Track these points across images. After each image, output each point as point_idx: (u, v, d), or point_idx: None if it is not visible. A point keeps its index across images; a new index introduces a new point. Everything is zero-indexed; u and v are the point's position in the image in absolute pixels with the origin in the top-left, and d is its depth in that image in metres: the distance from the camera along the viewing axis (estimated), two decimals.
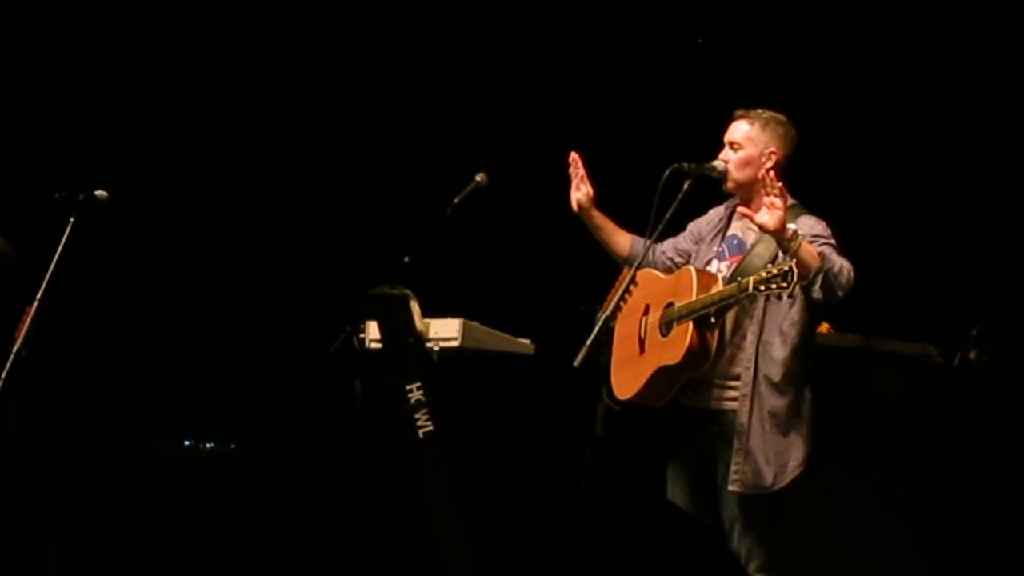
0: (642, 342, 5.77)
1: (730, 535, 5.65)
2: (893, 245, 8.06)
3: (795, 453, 5.63)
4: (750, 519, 5.63)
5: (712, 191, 5.89)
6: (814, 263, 5.40)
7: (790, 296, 5.40)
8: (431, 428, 6.38)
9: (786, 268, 5.26)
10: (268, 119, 8.68)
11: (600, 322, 5.58)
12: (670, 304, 5.67)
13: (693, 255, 5.90)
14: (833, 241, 5.58)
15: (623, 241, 5.97)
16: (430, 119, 8.60)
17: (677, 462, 5.83)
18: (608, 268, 5.82)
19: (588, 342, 5.50)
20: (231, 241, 8.54)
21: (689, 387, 5.66)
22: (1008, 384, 7.67)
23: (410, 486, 6.53)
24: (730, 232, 5.82)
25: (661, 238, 5.85)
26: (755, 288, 5.32)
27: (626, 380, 5.79)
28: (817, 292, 5.44)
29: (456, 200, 6.40)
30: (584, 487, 5.87)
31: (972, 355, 7.58)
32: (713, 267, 5.76)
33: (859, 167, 8.25)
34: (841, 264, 5.46)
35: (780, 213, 5.37)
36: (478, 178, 6.47)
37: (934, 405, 7.44)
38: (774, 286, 5.27)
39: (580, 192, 5.96)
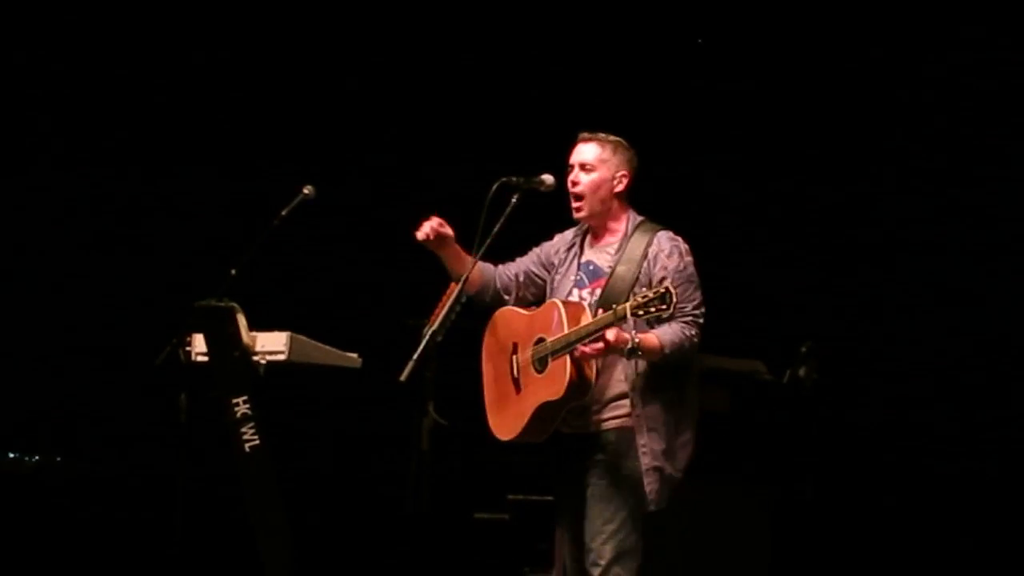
0: (516, 381, 5.74)
1: (600, 551, 5.55)
2: (724, 261, 8.13)
3: (683, 458, 5.63)
4: (626, 532, 5.56)
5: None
6: (657, 355, 5.49)
7: (670, 318, 5.41)
8: (257, 442, 6.32)
9: (663, 290, 5.28)
10: (100, 128, 8.58)
11: (427, 336, 5.53)
12: (540, 340, 5.64)
13: (548, 284, 5.86)
14: (693, 304, 5.59)
15: (476, 277, 5.83)
16: (259, 131, 8.54)
17: (565, 491, 5.75)
18: (435, 282, 5.80)
19: (415, 356, 5.46)
20: (56, 253, 8.42)
21: (569, 413, 5.61)
22: (835, 400, 7.80)
23: (236, 499, 6.46)
24: (584, 259, 5.79)
25: (491, 254, 5.83)
26: (633, 314, 5.32)
27: (506, 421, 5.76)
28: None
29: (283, 212, 6.35)
30: (410, 502, 5.83)
31: (801, 372, 7.68)
32: (575, 296, 5.72)
33: (690, 182, 8.32)
34: (681, 344, 5.51)
35: (601, 345, 5.40)
36: (305, 190, 6.42)
37: (762, 420, 7.53)
38: (653, 309, 5.29)
39: (446, 229, 5.80)
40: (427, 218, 5.79)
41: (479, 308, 5.87)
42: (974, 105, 7.97)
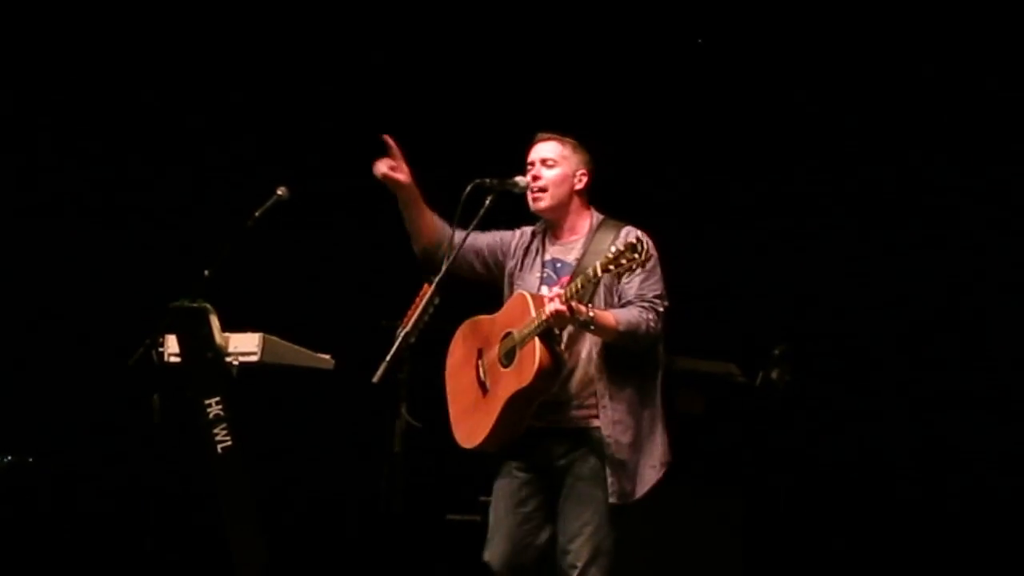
0: (483, 384, 5.70)
1: (577, 552, 5.54)
2: (697, 263, 8.15)
3: (656, 455, 5.63)
4: (603, 534, 5.56)
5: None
6: (612, 332, 5.48)
7: (643, 266, 5.34)
8: (229, 443, 6.31)
9: (633, 240, 5.27)
10: (76, 126, 8.56)
11: (400, 338, 5.52)
12: (507, 334, 5.62)
13: (507, 282, 5.82)
14: (654, 293, 5.58)
15: (431, 226, 5.83)
16: (233, 130, 8.54)
17: (509, 480, 5.72)
18: (409, 284, 5.79)
19: (388, 358, 5.45)
20: (30, 252, 8.39)
21: (541, 407, 5.58)
22: (808, 403, 7.81)
23: (209, 500, 6.45)
24: (548, 257, 5.79)
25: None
26: (604, 270, 5.31)
27: (474, 426, 5.68)
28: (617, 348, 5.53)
29: (257, 213, 6.34)
30: (383, 503, 5.83)
31: (774, 374, 7.70)
32: (544, 292, 5.68)
33: (663, 181, 8.33)
34: (637, 325, 5.50)
35: (557, 302, 5.38)
36: (279, 191, 6.42)
37: (735, 423, 7.55)
38: (624, 261, 5.26)
39: (403, 173, 5.82)
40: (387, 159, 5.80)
41: (447, 302, 5.80)
42: (945, 106, 7.99)
